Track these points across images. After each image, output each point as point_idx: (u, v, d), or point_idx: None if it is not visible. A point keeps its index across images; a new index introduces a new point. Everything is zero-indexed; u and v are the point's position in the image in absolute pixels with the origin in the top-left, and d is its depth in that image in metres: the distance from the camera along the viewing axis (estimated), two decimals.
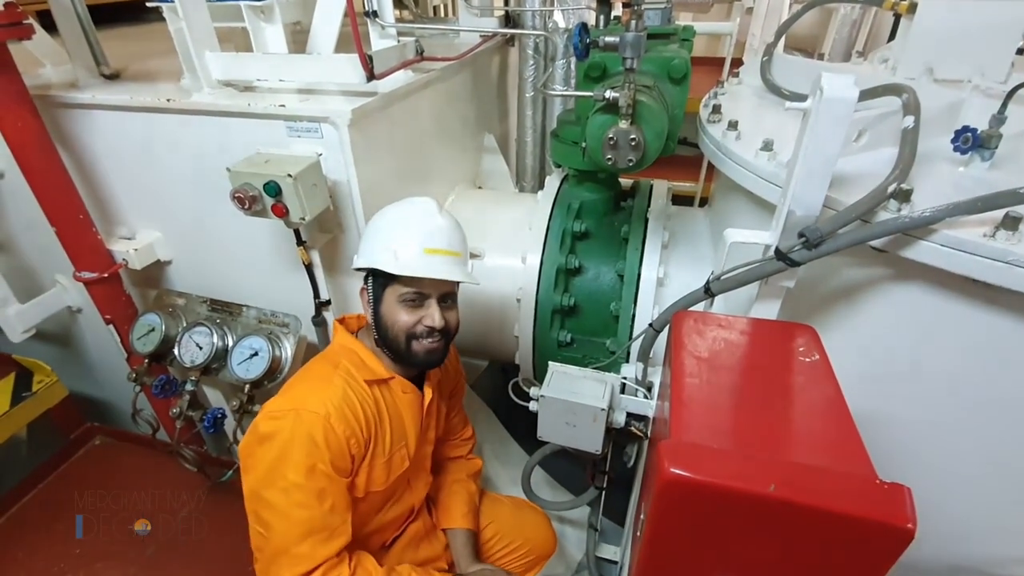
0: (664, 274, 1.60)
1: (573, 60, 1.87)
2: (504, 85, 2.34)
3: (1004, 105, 1.08)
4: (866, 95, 1.32)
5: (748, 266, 1.08)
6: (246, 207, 1.20)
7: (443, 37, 2.11)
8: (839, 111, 0.89)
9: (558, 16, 2.05)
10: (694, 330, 0.94)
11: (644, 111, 1.14)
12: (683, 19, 5.31)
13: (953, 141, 1.13)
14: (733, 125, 1.37)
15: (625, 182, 1.95)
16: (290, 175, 1.16)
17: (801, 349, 0.88)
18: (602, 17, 1.51)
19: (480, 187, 2.20)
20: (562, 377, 1.33)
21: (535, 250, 1.66)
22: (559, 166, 1.82)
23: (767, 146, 1.23)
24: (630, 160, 1.14)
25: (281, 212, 1.21)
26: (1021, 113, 1.16)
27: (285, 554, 1.03)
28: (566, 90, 1.90)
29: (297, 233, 1.32)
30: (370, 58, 1.23)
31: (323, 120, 1.25)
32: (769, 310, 1.14)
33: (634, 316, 1.59)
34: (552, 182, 1.81)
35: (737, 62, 2.12)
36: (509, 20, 2.11)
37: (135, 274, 1.70)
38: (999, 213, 0.90)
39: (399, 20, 2.70)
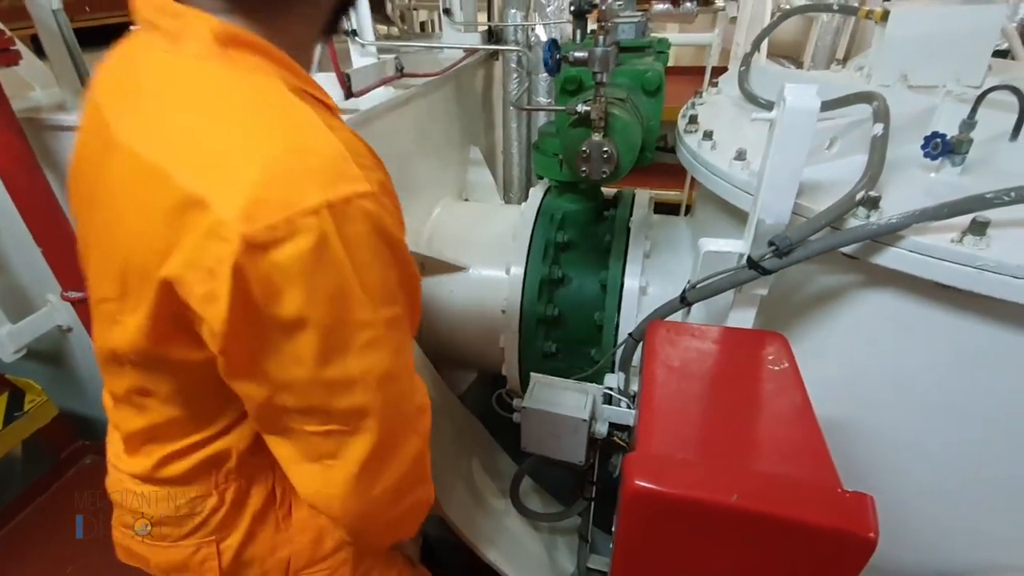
0: (646, 283, 1.61)
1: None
2: (489, 98, 2.36)
3: (974, 110, 1.10)
4: (837, 103, 1.34)
5: (722, 275, 1.09)
6: None
7: (427, 52, 2.14)
8: (802, 121, 0.90)
9: (540, 30, 2.08)
10: (667, 340, 0.94)
11: (616, 124, 1.15)
12: (669, 30, 5.37)
13: (923, 147, 1.14)
14: (708, 135, 1.38)
15: (609, 191, 1.96)
16: None
17: (771, 357, 0.89)
18: (579, 31, 1.53)
19: (467, 199, 2.21)
20: (544, 388, 1.33)
21: (519, 261, 1.67)
22: (542, 178, 1.83)
23: (740, 155, 1.24)
24: (603, 172, 1.15)
25: None
26: (994, 117, 1.18)
27: (407, 420, 0.70)
28: (540, 104, 1.92)
29: None
30: (347, 76, 1.25)
31: None
32: (745, 318, 1.14)
33: (618, 325, 1.60)
34: (536, 193, 1.83)
35: (721, 71, 2.14)
36: (492, 35, 2.13)
37: None
38: (967, 218, 0.91)
39: (386, 37, 2.74)
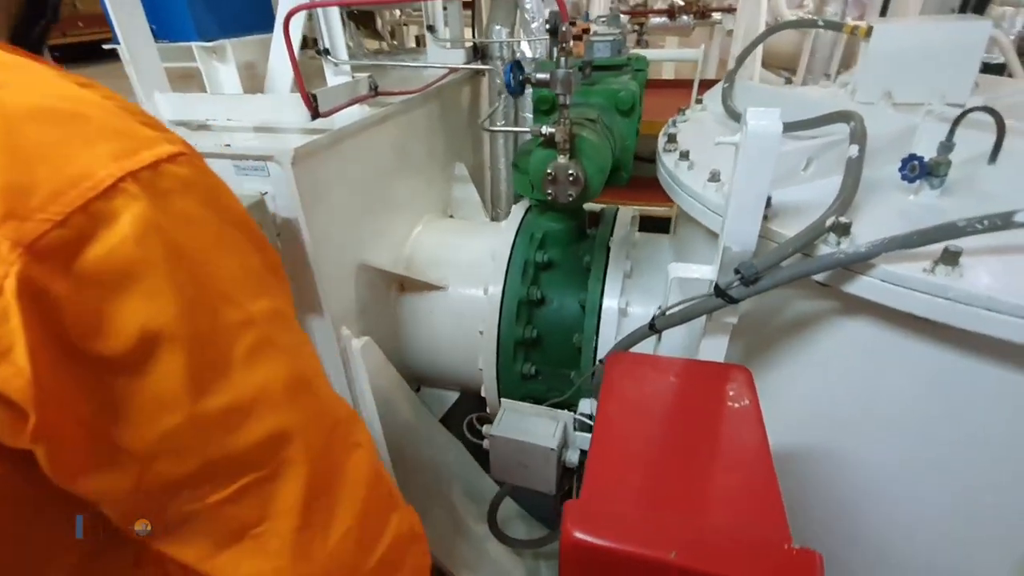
0: (627, 304, 1.57)
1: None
2: (476, 114, 2.35)
3: (951, 132, 1.06)
4: (815, 123, 1.31)
5: (690, 302, 1.05)
6: None
7: (414, 69, 2.13)
8: (765, 145, 0.86)
9: (525, 47, 2.06)
10: (625, 373, 0.90)
11: (584, 146, 1.12)
12: (668, 43, 5.36)
13: (900, 170, 1.10)
14: (685, 155, 1.35)
15: (595, 207, 1.93)
16: None
17: (731, 393, 0.85)
18: (555, 50, 1.51)
19: (452, 216, 2.19)
20: (513, 415, 1.29)
21: (496, 281, 1.64)
22: (522, 196, 1.81)
23: (714, 177, 1.21)
24: (569, 195, 1.12)
25: None
26: (978, 137, 1.13)
27: (340, 432, 0.55)
28: (527, 120, 1.89)
29: None
30: (314, 97, 1.23)
31: (267, 159, 1.25)
32: (717, 346, 1.10)
33: (596, 347, 1.56)
34: (517, 211, 1.80)
35: (711, 85, 2.11)
36: (477, 51, 2.12)
37: None
38: (939, 247, 0.87)
39: (377, 52, 2.74)
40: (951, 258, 0.84)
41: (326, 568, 0.51)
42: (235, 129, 1.40)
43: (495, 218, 2.33)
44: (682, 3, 4.04)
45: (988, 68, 1.95)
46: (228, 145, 1.26)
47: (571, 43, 0.98)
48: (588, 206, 1.98)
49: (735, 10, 3.69)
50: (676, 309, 1.07)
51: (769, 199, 1.08)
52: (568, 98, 1.02)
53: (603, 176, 1.17)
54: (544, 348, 1.69)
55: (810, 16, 3.50)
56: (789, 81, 1.87)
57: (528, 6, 2.05)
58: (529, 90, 2.09)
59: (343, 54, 1.43)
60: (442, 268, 1.79)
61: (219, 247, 0.46)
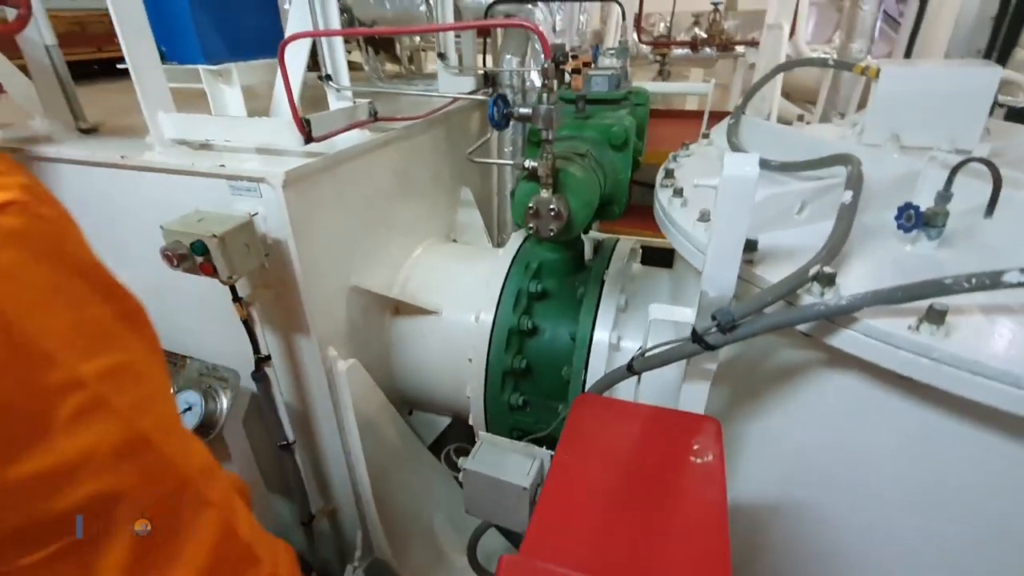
0: (618, 338, 1.53)
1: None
2: (488, 141, 2.36)
3: (949, 181, 1.01)
4: (813, 164, 1.27)
5: (668, 345, 1.01)
6: (175, 264, 1.21)
7: (420, 95, 2.16)
8: (741, 190, 0.84)
9: (534, 75, 2.08)
10: (591, 417, 0.87)
11: (569, 180, 1.11)
12: (693, 75, 5.36)
13: (896, 218, 1.06)
14: (679, 192, 1.32)
15: (599, 237, 1.91)
16: (215, 235, 1.17)
17: (696, 447, 0.81)
18: (555, 81, 1.51)
19: (455, 240, 2.19)
20: (489, 449, 1.27)
21: (488, 309, 1.62)
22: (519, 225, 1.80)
23: (704, 216, 1.18)
24: (551, 229, 1.11)
25: (209, 271, 1.22)
26: (981, 188, 1.09)
27: (187, 491, 0.56)
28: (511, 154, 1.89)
29: (233, 290, 1.32)
30: (307, 121, 1.25)
31: (260, 180, 1.27)
32: (697, 392, 1.06)
33: (585, 381, 1.52)
34: (515, 239, 1.79)
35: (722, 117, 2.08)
36: (488, 79, 2.14)
37: None
38: (926, 303, 0.82)
39: (396, 76, 2.79)
40: (937, 316, 0.80)
41: None
42: (239, 150, 1.43)
43: (500, 244, 2.33)
44: (705, 36, 4.04)
45: (1013, 114, 1.88)
46: (223, 166, 1.29)
47: (553, 80, 0.97)
48: (593, 235, 1.96)
49: (758, 44, 3.67)
50: (655, 352, 1.04)
51: (755, 243, 1.05)
52: (551, 133, 1.02)
53: (588, 211, 1.15)
54: (534, 379, 1.66)
55: (834, 53, 3.46)
56: (802, 117, 1.84)
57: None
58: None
59: (345, 80, 1.45)
60: (437, 293, 1.78)
61: (47, 303, 0.43)
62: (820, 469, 1.11)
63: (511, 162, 1.12)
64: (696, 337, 0.95)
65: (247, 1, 1.48)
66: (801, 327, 0.94)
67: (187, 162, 1.32)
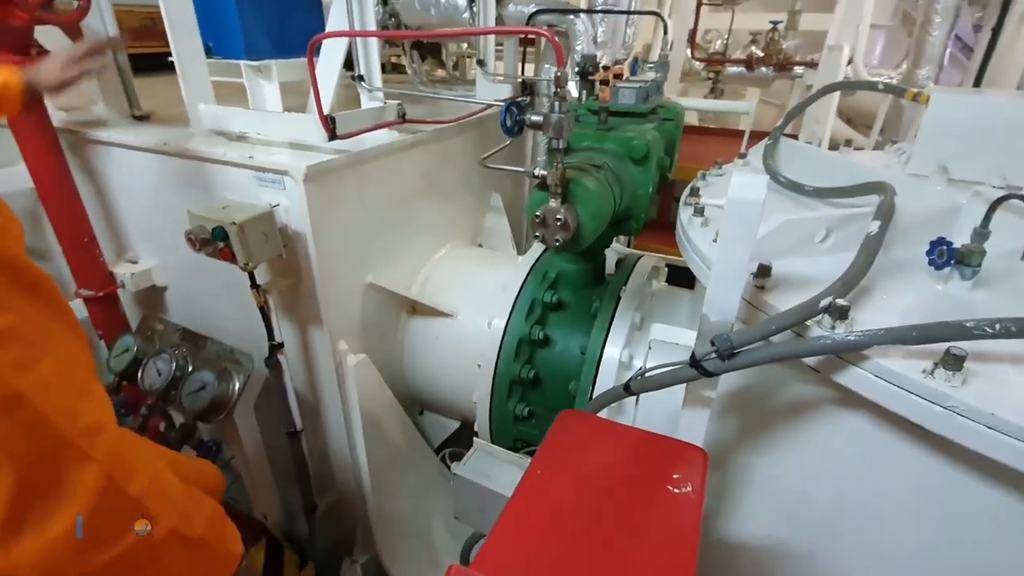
0: (630, 356, 1.49)
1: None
2: (522, 147, 2.36)
3: (987, 218, 0.94)
4: (845, 192, 1.21)
5: (666, 368, 0.98)
6: (197, 248, 1.26)
7: (450, 100, 2.18)
8: (745, 212, 0.80)
9: (572, 86, 2.07)
10: (573, 434, 0.85)
11: (579, 191, 1.09)
12: (749, 94, 5.21)
13: (928, 254, 0.98)
14: (700, 211, 1.28)
15: (625, 251, 1.88)
16: (235, 223, 1.21)
17: (676, 476, 0.77)
18: (584, 92, 1.49)
19: (480, 244, 2.20)
20: (483, 457, 1.25)
21: (501, 315, 1.61)
22: None
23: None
24: (557, 240, 1.09)
25: (228, 256, 1.26)
26: (1020, 225, 1.00)
27: (65, 447, 0.65)
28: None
29: (251, 276, 1.36)
30: (331, 119, 1.28)
31: (283, 173, 1.30)
32: (695, 419, 1.02)
33: (592, 397, 1.49)
34: (537, 248, 1.78)
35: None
36: (525, 87, 2.14)
37: (138, 296, 1.83)
38: (943, 347, 0.76)
39: (440, 81, 2.84)
40: (954, 362, 0.73)
41: (38, 558, 0.59)
42: (271, 143, 1.48)
43: (526, 252, 2.32)
44: (761, 54, 3.93)
45: None
46: (251, 157, 1.34)
47: (566, 88, 0.96)
48: (619, 249, 1.93)
49: (816, 65, 3.54)
50: (653, 373, 1.00)
51: (769, 268, 1.00)
52: (561, 142, 1.00)
53: (598, 223, 1.13)
54: (541, 391, 1.63)
55: (900, 78, 3.29)
56: (849, 143, 1.74)
57: (578, 47, 2.07)
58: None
59: (377, 81, 1.49)
60: (454, 295, 1.79)
61: None
62: (826, 515, 1.04)
63: (522, 169, 1.11)
64: (694, 362, 0.91)
65: (292, 1, 1.54)
66: (808, 361, 0.89)
67: (220, 152, 1.38)
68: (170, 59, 1.44)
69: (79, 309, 1.88)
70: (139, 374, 1.55)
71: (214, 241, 1.25)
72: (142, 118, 1.76)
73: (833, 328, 0.86)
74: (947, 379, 0.74)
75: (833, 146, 1.89)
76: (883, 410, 0.84)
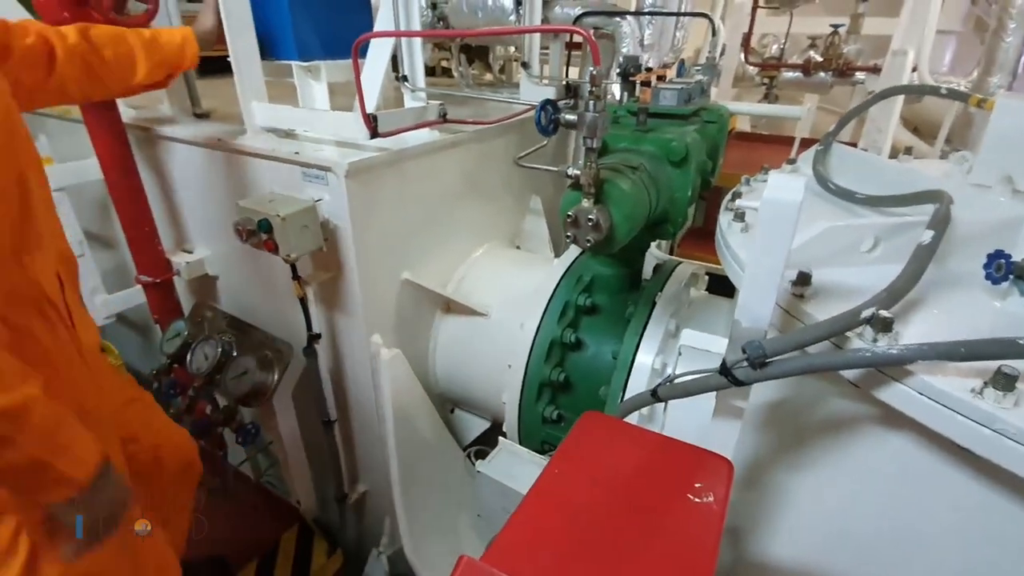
0: (663, 364, 1.46)
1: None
2: (564, 150, 2.35)
3: None
4: (898, 200, 1.14)
5: (695, 375, 0.95)
6: (244, 239, 1.33)
7: (495, 101, 2.19)
8: (780, 215, 0.77)
9: (615, 88, 2.05)
10: (594, 435, 0.84)
11: (613, 192, 1.08)
12: (806, 101, 5.02)
13: (985, 267, 0.92)
14: (740, 216, 1.24)
15: (664, 257, 1.84)
16: (279, 215, 1.27)
17: (698, 485, 0.74)
18: (625, 93, 1.48)
19: (518, 246, 2.20)
20: (507, 456, 1.25)
21: (534, 317, 1.61)
22: None
23: None
24: (589, 240, 1.08)
25: (271, 247, 1.31)
26: None
27: None
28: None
29: (293, 268, 1.42)
30: (374, 117, 1.32)
31: (327, 169, 1.35)
32: (726, 430, 0.99)
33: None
34: (572, 251, 1.77)
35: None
36: (570, 90, 2.14)
37: (191, 284, 1.94)
38: (993, 365, 0.71)
39: (485, 84, 2.87)
40: (1005, 382, 0.68)
41: None
42: (319, 140, 1.54)
43: None
44: (820, 59, 3.78)
45: None
46: (297, 153, 1.39)
47: (602, 88, 0.95)
48: (658, 255, 1.89)
49: (879, 70, 3.37)
50: (681, 380, 0.97)
51: (809, 276, 0.96)
52: (595, 142, 0.99)
53: (632, 225, 1.11)
54: (571, 394, 1.62)
55: (970, 86, 3.09)
56: (910, 150, 1.64)
57: (623, 50, 2.05)
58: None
59: (420, 82, 1.52)
60: (488, 295, 1.80)
61: None
62: (864, 539, 0.98)
63: (555, 168, 1.11)
64: (724, 369, 0.89)
65: (344, 4, 1.59)
66: (848, 375, 0.85)
67: (269, 148, 1.44)
68: (228, 60, 1.53)
69: (138, 295, 2.00)
70: (188, 357, 1.63)
71: (259, 232, 1.30)
72: (202, 116, 1.86)
73: (875, 341, 0.82)
74: (997, 400, 0.69)
75: (894, 155, 1.80)
76: (927, 430, 0.80)
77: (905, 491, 0.90)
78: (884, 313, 0.82)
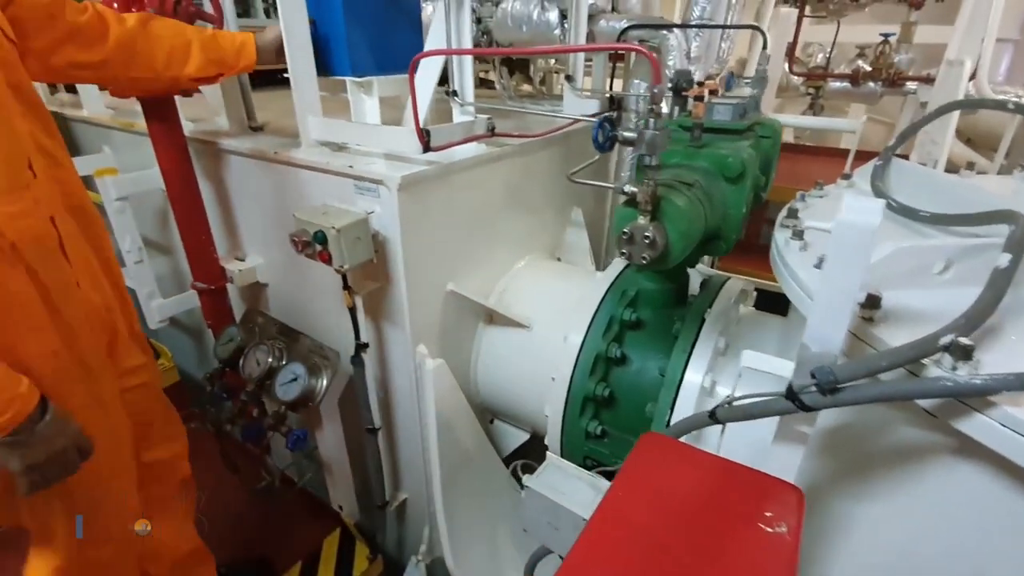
0: (713, 382, 1.43)
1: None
2: (606, 163, 2.34)
3: None
4: (968, 220, 1.10)
5: (759, 398, 0.93)
6: (299, 250, 1.36)
7: (541, 115, 2.20)
8: (856, 239, 0.75)
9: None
10: (655, 458, 0.82)
11: (669, 209, 1.07)
12: (853, 111, 4.88)
13: None
14: (799, 234, 1.21)
15: (709, 272, 1.81)
16: (334, 227, 1.30)
17: (769, 514, 0.72)
18: (676, 107, 1.47)
19: (559, 259, 2.20)
20: (555, 472, 1.24)
21: (579, 330, 1.60)
22: None
23: (822, 263, 1.07)
24: (644, 257, 1.07)
25: (325, 259, 1.34)
26: None
27: None
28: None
29: (344, 278, 1.45)
30: (427, 132, 1.34)
31: (379, 182, 1.38)
32: (787, 456, 0.96)
33: (669, 421, 1.44)
34: (617, 264, 1.75)
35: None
36: (614, 103, 2.13)
37: (243, 291, 2.00)
38: None
39: (528, 96, 2.89)
40: None
41: None
42: (370, 154, 1.57)
43: (604, 269, 2.30)
44: (869, 68, 3.67)
45: None
46: (351, 167, 1.42)
47: (661, 104, 0.94)
48: (704, 270, 1.86)
49: (932, 80, 3.26)
50: (743, 402, 0.95)
51: (879, 299, 0.93)
52: (653, 159, 0.99)
53: (687, 242, 1.10)
54: (615, 410, 1.60)
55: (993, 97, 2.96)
56: (972, 166, 1.57)
57: (670, 63, 2.03)
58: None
59: (469, 96, 1.54)
60: (530, 307, 1.80)
61: None
62: (930, 574, 0.94)
63: (612, 185, 1.10)
64: (791, 394, 0.86)
65: (395, 22, 1.63)
66: (924, 403, 0.81)
67: (323, 161, 1.48)
68: (282, 76, 1.58)
69: (192, 299, 2.07)
70: (240, 362, 1.68)
71: (315, 244, 1.34)
72: (257, 129, 1.93)
73: (954, 369, 0.78)
74: None
75: (951, 169, 1.73)
76: (1007, 462, 0.76)
77: (977, 524, 0.86)
78: (964, 340, 0.78)
